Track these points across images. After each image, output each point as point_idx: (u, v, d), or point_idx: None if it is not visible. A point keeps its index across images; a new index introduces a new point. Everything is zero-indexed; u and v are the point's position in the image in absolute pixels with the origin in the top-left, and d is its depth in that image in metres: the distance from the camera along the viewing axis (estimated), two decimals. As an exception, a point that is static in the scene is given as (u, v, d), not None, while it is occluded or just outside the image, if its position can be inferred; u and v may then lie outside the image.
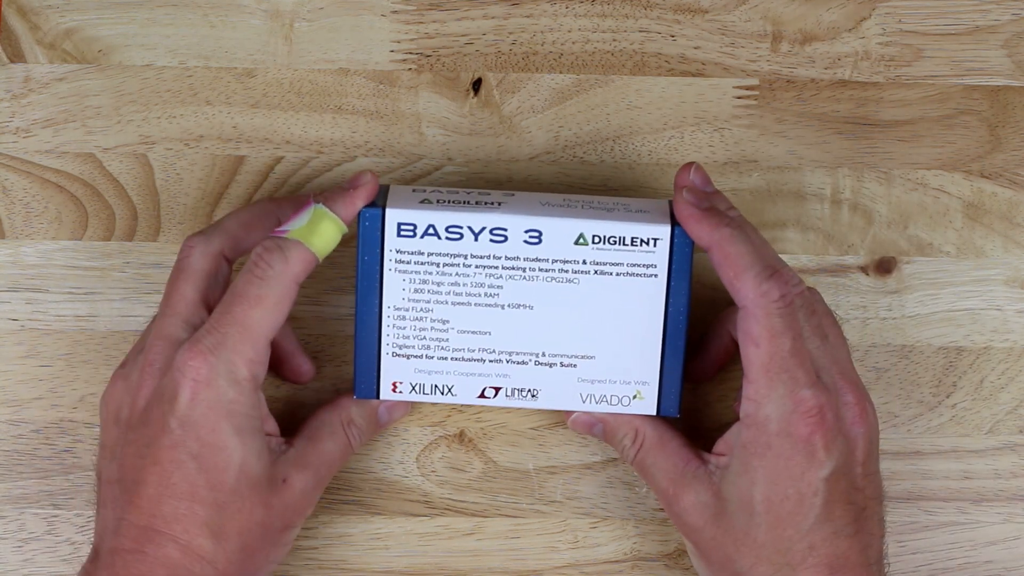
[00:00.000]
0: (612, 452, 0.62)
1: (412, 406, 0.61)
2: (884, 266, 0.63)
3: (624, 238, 0.56)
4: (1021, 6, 0.64)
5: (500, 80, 0.63)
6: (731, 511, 0.54)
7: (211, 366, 0.53)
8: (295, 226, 0.55)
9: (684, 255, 0.56)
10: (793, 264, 0.62)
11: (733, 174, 0.63)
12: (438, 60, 0.63)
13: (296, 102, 0.62)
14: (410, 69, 0.63)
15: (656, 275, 0.56)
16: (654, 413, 0.57)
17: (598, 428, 0.59)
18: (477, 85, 0.63)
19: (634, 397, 0.57)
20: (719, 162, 0.63)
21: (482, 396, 0.57)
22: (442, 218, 0.56)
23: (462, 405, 0.61)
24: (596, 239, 0.56)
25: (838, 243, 0.63)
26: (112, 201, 0.62)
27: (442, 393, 0.57)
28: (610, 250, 0.56)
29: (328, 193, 0.56)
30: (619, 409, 0.57)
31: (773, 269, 0.54)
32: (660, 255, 0.56)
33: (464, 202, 0.56)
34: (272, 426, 0.56)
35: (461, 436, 0.62)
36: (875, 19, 0.63)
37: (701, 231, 0.55)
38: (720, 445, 0.56)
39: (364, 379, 0.57)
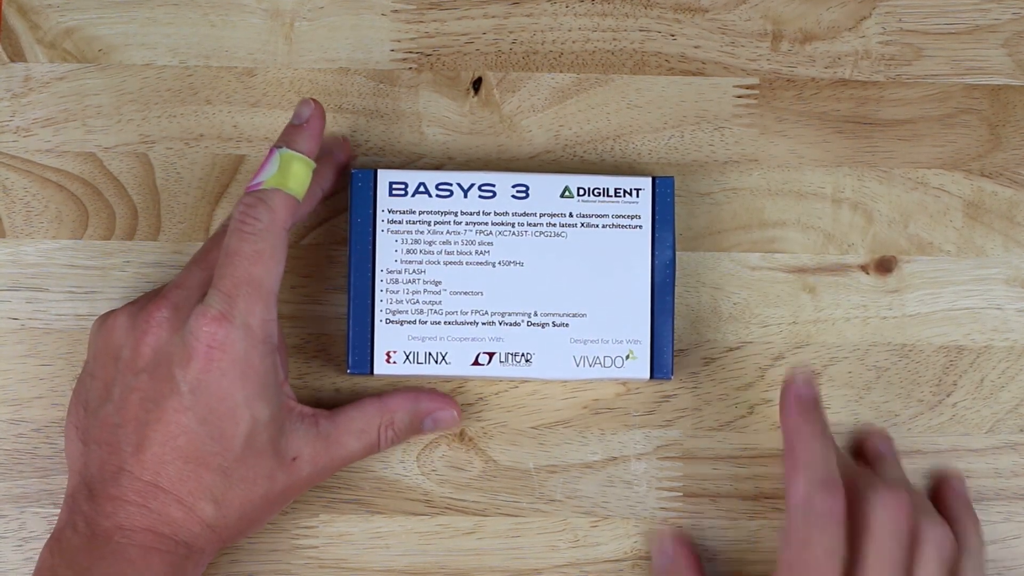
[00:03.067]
0: (612, 451, 0.62)
1: (458, 420, 0.60)
2: (884, 265, 0.63)
3: (608, 189, 0.58)
4: (1021, 5, 0.64)
5: (500, 79, 0.63)
6: None
7: (226, 331, 0.53)
8: (267, 176, 0.55)
9: (666, 205, 0.59)
10: (794, 263, 0.62)
11: (734, 173, 0.63)
12: (438, 59, 0.63)
13: (296, 101, 0.62)
14: (410, 68, 0.63)
15: (640, 226, 0.59)
16: (647, 376, 0.58)
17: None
18: (477, 84, 0.63)
19: (627, 358, 0.58)
20: (719, 161, 0.63)
21: (476, 363, 0.58)
22: (432, 175, 0.58)
23: (457, 377, 0.60)
24: (581, 191, 0.58)
25: (838, 242, 0.63)
26: (112, 200, 0.62)
27: (436, 362, 0.58)
28: (595, 202, 0.58)
29: (285, 135, 0.56)
30: (613, 373, 0.58)
31: (831, 483, 0.55)
32: (643, 205, 0.59)
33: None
34: (291, 392, 0.56)
35: (461, 435, 0.62)
36: (875, 18, 0.63)
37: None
38: None
39: (358, 350, 0.58)
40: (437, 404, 0.59)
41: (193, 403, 0.53)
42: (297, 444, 0.56)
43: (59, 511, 0.61)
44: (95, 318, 0.59)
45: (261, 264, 0.54)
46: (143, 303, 0.56)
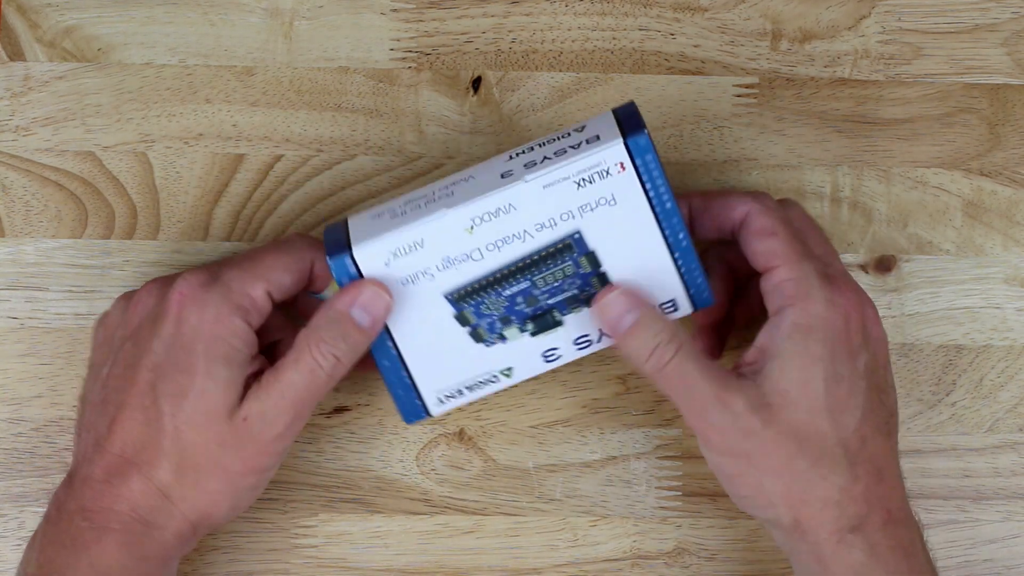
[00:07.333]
0: (612, 450, 0.62)
1: (393, 300, 0.55)
2: (884, 264, 0.63)
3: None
4: (1020, 4, 0.64)
5: (500, 78, 0.63)
6: (792, 400, 0.53)
7: (205, 289, 0.53)
8: None
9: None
10: (793, 262, 0.63)
11: (733, 172, 0.63)
12: (438, 58, 0.63)
13: (296, 100, 0.62)
14: (410, 67, 0.63)
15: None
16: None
17: (629, 319, 0.54)
18: (477, 83, 0.63)
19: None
20: (719, 160, 0.63)
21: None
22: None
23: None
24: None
25: (838, 241, 0.63)
26: (112, 199, 0.62)
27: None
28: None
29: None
30: None
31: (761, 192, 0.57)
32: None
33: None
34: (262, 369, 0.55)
35: (461, 434, 0.62)
36: (875, 17, 0.63)
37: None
38: (749, 355, 0.54)
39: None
40: (352, 294, 0.54)
41: (162, 360, 0.53)
42: (247, 405, 0.53)
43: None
44: (95, 317, 0.59)
45: (273, 256, 0.55)
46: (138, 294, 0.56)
